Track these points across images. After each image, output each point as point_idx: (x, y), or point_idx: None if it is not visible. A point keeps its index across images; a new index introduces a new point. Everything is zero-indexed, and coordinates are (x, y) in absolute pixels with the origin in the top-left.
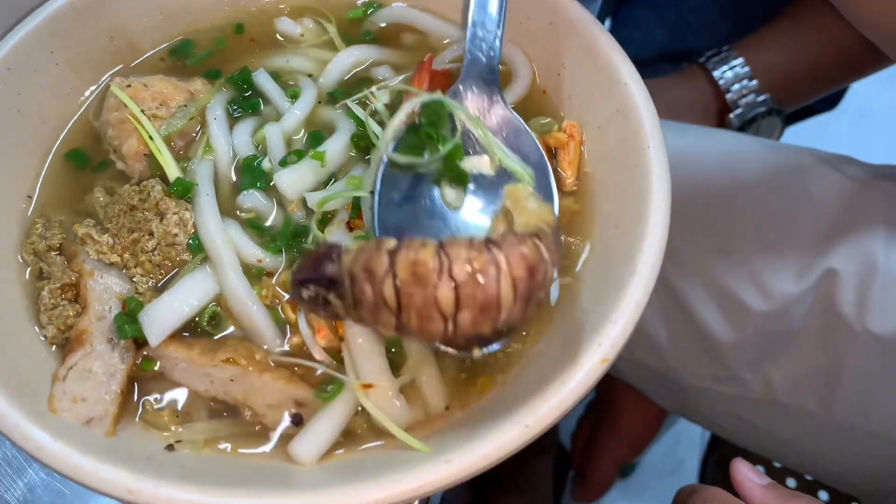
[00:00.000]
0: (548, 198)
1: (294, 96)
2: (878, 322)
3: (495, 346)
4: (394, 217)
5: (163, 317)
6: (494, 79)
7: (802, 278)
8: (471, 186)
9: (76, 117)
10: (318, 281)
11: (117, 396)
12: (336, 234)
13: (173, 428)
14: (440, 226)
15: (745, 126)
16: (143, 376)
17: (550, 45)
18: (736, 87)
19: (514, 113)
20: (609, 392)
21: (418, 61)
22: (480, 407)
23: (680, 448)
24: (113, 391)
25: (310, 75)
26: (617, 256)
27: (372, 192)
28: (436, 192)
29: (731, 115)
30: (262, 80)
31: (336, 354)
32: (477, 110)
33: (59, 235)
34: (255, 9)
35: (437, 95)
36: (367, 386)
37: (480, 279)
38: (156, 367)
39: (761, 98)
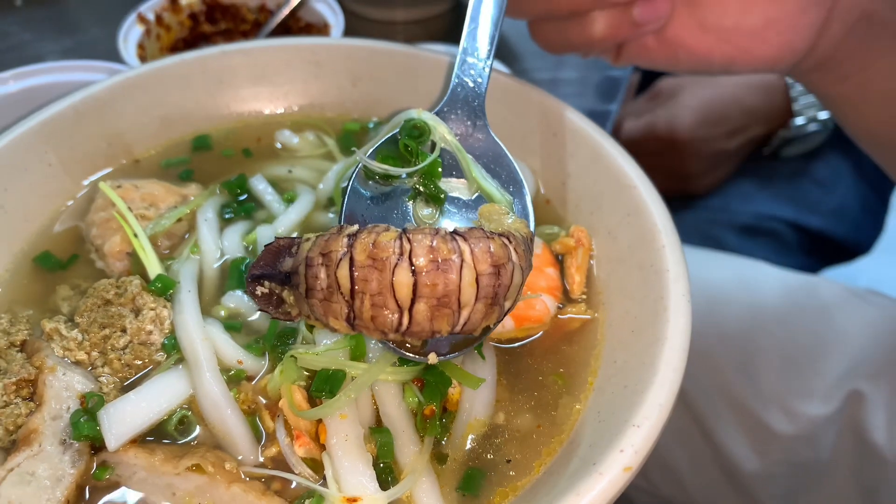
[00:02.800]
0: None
1: (290, 201)
2: None
3: (454, 355)
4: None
5: (126, 417)
6: (480, 105)
7: (829, 400)
8: (447, 207)
9: (61, 217)
10: (273, 276)
11: None
12: (327, 333)
13: None
14: None
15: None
16: (95, 485)
17: (555, 156)
18: (803, 95)
19: (497, 139)
20: None
21: None
22: None
23: None
24: (57, 498)
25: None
26: (636, 360)
27: (344, 189)
28: (409, 208)
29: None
30: (259, 185)
31: (317, 465)
32: (458, 133)
33: (24, 331)
34: (257, 121)
35: (419, 112)
36: (352, 500)
37: (441, 268)
38: (109, 476)
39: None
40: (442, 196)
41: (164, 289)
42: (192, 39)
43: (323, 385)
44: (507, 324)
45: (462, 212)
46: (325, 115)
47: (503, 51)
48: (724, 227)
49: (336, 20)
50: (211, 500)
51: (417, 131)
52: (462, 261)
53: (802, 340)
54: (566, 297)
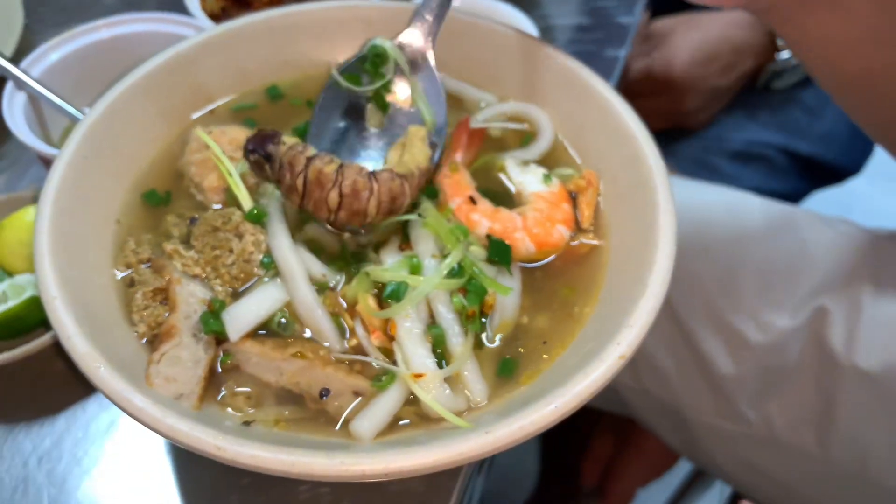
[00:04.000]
0: (435, 141)
1: None
2: (864, 358)
3: (362, 234)
4: (328, 129)
5: (241, 317)
6: (437, 30)
7: (796, 315)
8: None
9: (160, 158)
10: (259, 152)
11: (201, 380)
12: (390, 254)
13: (248, 410)
14: (360, 141)
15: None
16: (222, 367)
17: (568, 108)
18: None
19: (435, 69)
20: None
21: (457, 121)
22: (513, 399)
23: None
24: (198, 375)
25: None
26: (630, 279)
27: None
28: (366, 112)
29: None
30: None
31: (388, 352)
32: (415, 55)
33: (148, 251)
34: (318, 72)
35: (382, 41)
36: (417, 376)
37: (357, 196)
38: (231, 361)
39: None
40: (387, 106)
41: (258, 218)
42: None
43: (391, 293)
44: (530, 246)
45: (399, 122)
46: None
47: None
48: (719, 154)
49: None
50: (310, 378)
51: (379, 58)
52: (371, 193)
53: (777, 262)
54: (577, 228)
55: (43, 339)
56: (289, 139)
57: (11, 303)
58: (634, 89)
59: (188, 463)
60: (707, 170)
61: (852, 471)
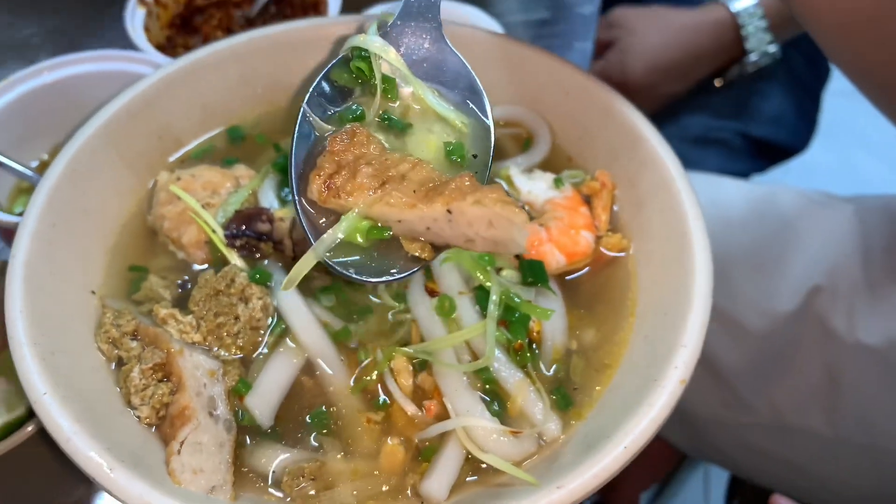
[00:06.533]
0: (483, 123)
1: None
2: (867, 333)
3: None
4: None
5: (267, 396)
6: (434, 17)
7: (793, 297)
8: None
9: (133, 212)
10: (249, 234)
11: (230, 465)
12: (418, 301)
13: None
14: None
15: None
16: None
17: (569, 113)
18: (753, 32)
19: (455, 50)
20: None
21: None
22: (577, 434)
23: None
24: (225, 460)
25: None
26: (670, 291)
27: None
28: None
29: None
30: None
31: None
32: (414, 49)
33: (132, 322)
34: (290, 102)
35: (363, 38)
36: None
37: None
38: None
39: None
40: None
41: (263, 279)
42: (188, 14)
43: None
44: (560, 259)
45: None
46: None
47: None
48: (678, 140)
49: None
50: None
51: (368, 53)
52: None
53: (767, 247)
54: (594, 235)
55: (25, 432)
56: (278, 212)
57: None
58: None
59: None
60: None
61: (862, 445)
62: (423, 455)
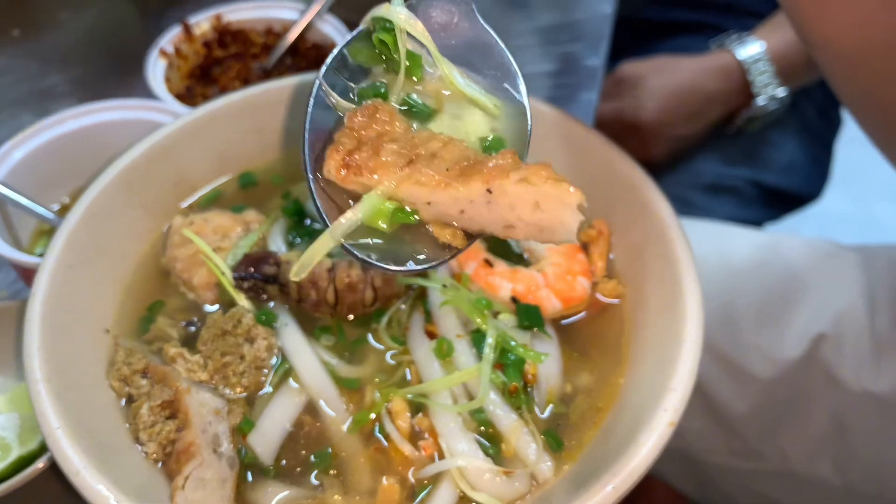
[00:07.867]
0: (518, 106)
1: None
2: (873, 381)
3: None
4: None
5: (269, 435)
6: None
7: (799, 344)
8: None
9: (147, 255)
10: (256, 277)
11: (232, 501)
12: (416, 338)
13: None
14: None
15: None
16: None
17: (568, 163)
18: (760, 78)
19: (487, 27)
20: None
21: None
22: (568, 476)
23: None
24: (227, 495)
25: None
26: (662, 336)
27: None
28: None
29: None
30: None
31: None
32: (441, 24)
33: (143, 360)
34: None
35: (387, 8)
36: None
37: (388, 282)
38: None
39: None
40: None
41: (269, 320)
42: (207, 65)
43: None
44: (556, 304)
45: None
46: None
47: None
48: (690, 187)
49: (342, 40)
50: None
51: (392, 24)
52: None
53: (772, 294)
54: (591, 282)
55: (37, 467)
56: (285, 255)
57: None
58: (602, 132)
59: None
60: (681, 203)
61: (870, 495)
62: (418, 493)
